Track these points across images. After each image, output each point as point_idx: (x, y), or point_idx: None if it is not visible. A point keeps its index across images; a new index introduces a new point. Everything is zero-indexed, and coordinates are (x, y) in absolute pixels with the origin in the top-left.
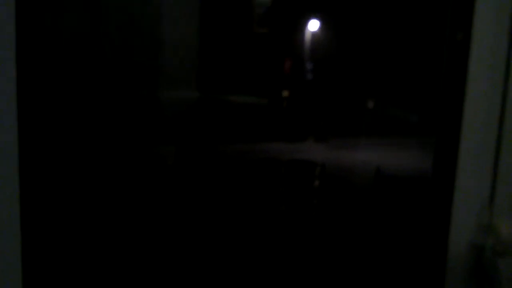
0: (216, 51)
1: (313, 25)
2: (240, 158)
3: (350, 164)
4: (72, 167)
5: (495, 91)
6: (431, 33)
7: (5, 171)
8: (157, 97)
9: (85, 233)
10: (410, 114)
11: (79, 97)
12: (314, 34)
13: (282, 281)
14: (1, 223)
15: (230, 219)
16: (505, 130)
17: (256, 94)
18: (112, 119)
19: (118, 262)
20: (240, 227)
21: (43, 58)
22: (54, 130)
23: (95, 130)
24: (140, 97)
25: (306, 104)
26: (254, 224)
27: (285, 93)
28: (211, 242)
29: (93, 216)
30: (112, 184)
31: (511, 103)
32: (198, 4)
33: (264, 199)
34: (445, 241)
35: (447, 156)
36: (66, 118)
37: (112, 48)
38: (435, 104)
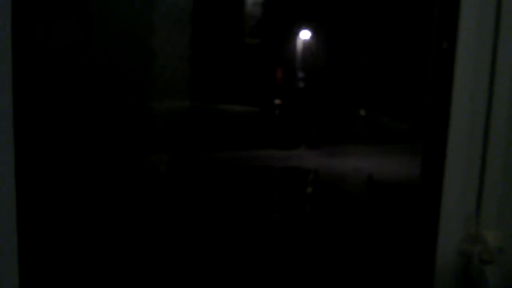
0: (208, 61)
1: (304, 34)
2: (233, 166)
3: (342, 171)
4: (67, 175)
5: (481, 98)
6: (418, 42)
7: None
8: (150, 106)
9: (80, 239)
10: (400, 122)
11: (73, 107)
12: (305, 43)
13: (276, 287)
14: None
15: (223, 226)
16: (491, 138)
17: (248, 103)
18: (106, 129)
19: (112, 267)
20: (233, 234)
21: (37, 72)
22: (49, 140)
23: (89, 139)
24: (134, 107)
25: (298, 112)
26: (247, 231)
27: (277, 101)
28: (203, 249)
29: (88, 223)
30: (106, 191)
31: (496, 110)
32: (190, 16)
33: (257, 206)
34: (433, 250)
35: (435, 166)
36: (60, 127)
37: (105, 59)
38: (423, 112)
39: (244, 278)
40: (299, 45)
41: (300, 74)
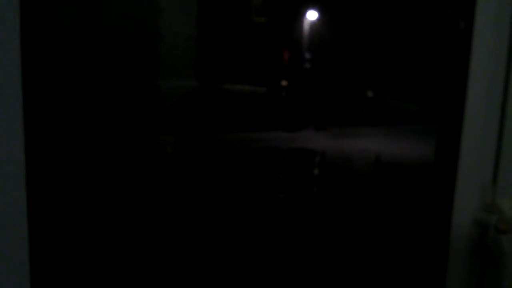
0: (215, 40)
1: (312, 14)
2: (239, 147)
3: (349, 152)
4: (72, 157)
5: (498, 77)
6: (432, 22)
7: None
8: (156, 86)
9: (87, 221)
10: (409, 103)
11: (78, 87)
12: (312, 23)
13: (281, 269)
14: (8, 219)
15: (229, 207)
16: (508, 108)
17: (255, 83)
18: (111, 109)
19: (121, 251)
20: (240, 215)
21: (40, 49)
22: (54, 121)
23: (94, 120)
24: (139, 86)
25: (305, 93)
26: (254, 212)
27: (284, 83)
28: (210, 230)
29: (95, 206)
30: (112, 173)
31: None
32: None
33: (263, 187)
34: (448, 221)
35: (451, 137)
36: (64, 109)
37: (110, 38)
38: (436, 92)
39: (251, 258)
40: (306, 25)
41: (307, 55)
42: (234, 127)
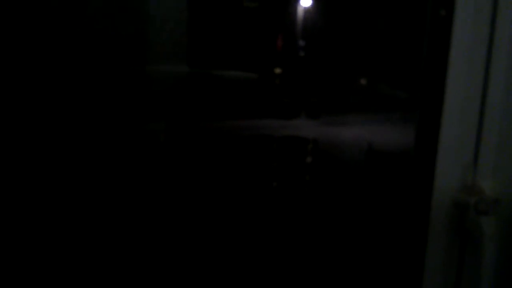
0: (207, 24)
1: (305, 1)
2: (231, 135)
3: (342, 140)
4: (62, 143)
5: (478, 64)
6: (414, 10)
7: None
8: (146, 72)
9: (79, 209)
10: (399, 91)
11: (66, 71)
12: (306, 11)
13: (272, 257)
14: None
15: (221, 195)
16: (489, 89)
17: (248, 70)
18: (100, 95)
19: (112, 237)
20: (232, 203)
21: (27, 34)
22: (40, 106)
23: (83, 106)
24: (129, 72)
25: (299, 81)
26: (246, 200)
27: (277, 70)
28: (202, 219)
29: (86, 195)
30: (103, 162)
31: (494, 73)
32: None
33: (256, 175)
34: (429, 201)
35: (431, 118)
36: (53, 92)
37: (99, 22)
38: (419, 77)
39: (243, 246)
40: (300, 12)
41: (301, 43)
42: (226, 114)
